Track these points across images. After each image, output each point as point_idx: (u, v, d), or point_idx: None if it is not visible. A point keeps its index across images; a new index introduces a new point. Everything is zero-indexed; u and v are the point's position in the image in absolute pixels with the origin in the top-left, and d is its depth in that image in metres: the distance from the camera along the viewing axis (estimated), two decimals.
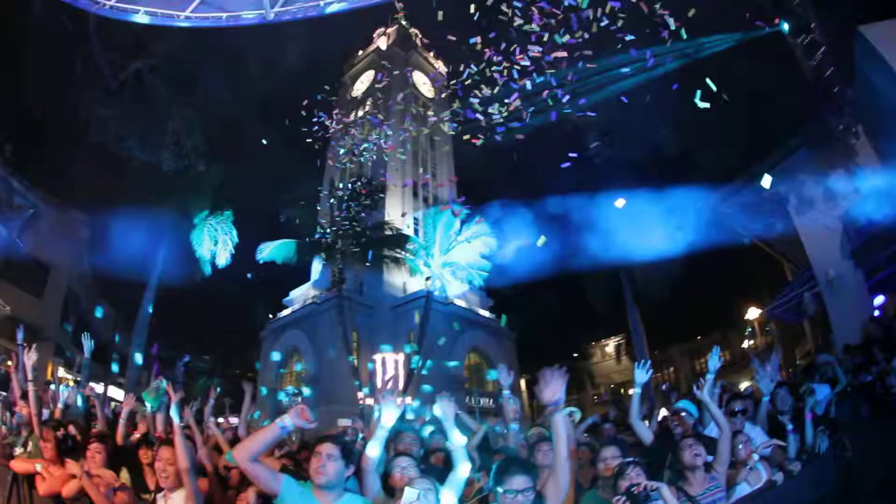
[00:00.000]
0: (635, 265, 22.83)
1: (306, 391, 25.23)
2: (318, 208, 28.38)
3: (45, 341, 19.70)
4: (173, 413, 3.21)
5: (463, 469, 2.80)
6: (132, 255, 19.65)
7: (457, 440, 2.89)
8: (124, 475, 3.81)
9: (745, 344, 27.79)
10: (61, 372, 18.74)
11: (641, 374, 4.04)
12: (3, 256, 17.84)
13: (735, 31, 11.18)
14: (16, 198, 18.47)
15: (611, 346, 37.03)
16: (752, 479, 3.50)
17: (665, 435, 4.35)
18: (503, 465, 2.59)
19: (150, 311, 22.81)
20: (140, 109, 22.58)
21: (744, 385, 15.81)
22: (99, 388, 21.68)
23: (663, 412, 5.60)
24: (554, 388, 2.57)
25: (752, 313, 22.75)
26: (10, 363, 4.99)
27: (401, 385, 23.00)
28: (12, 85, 17.85)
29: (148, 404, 4.29)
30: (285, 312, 32.23)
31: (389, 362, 26.93)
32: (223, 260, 24.15)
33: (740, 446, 3.57)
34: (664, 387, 16.59)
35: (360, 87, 39.32)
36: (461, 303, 29.77)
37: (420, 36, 41.81)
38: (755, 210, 13.98)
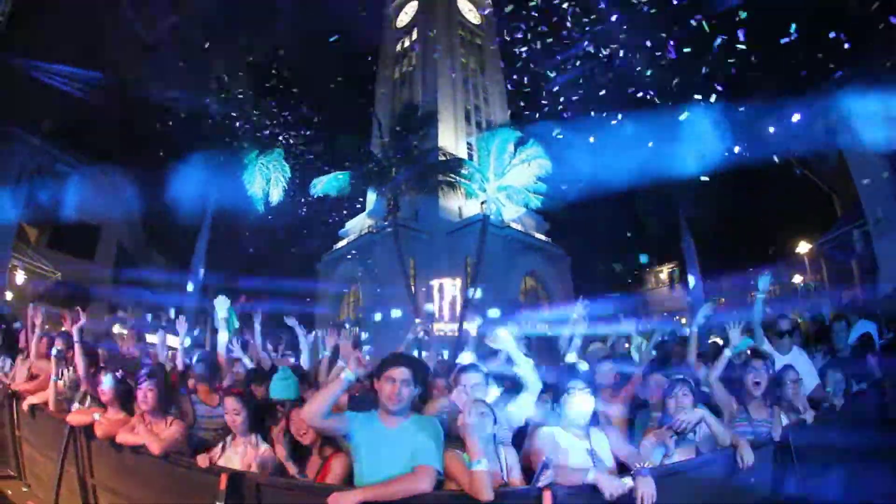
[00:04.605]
0: (689, 189, 22.15)
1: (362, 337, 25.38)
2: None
3: (99, 301, 20.26)
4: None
5: (534, 388, 2.97)
6: (184, 202, 19.71)
7: (524, 364, 3.00)
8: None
9: (797, 279, 27.41)
10: (116, 328, 19.28)
11: (704, 311, 4.05)
12: (51, 225, 18.43)
13: None
14: (57, 166, 18.81)
15: (664, 273, 36.52)
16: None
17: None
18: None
19: (205, 251, 22.84)
20: (179, 61, 22.24)
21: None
22: (154, 338, 21.98)
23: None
24: None
25: (803, 247, 22.27)
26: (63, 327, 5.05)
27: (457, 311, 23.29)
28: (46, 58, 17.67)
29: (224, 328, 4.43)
30: (341, 244, 32.66)
31: (447, 288, 27.35)
32: (276, 197, 23.94)
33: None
34: None
35: (405, 17, 38.33)
36: (517, 227, 29.65)
37: None
38: (806, 133, 13.85)
